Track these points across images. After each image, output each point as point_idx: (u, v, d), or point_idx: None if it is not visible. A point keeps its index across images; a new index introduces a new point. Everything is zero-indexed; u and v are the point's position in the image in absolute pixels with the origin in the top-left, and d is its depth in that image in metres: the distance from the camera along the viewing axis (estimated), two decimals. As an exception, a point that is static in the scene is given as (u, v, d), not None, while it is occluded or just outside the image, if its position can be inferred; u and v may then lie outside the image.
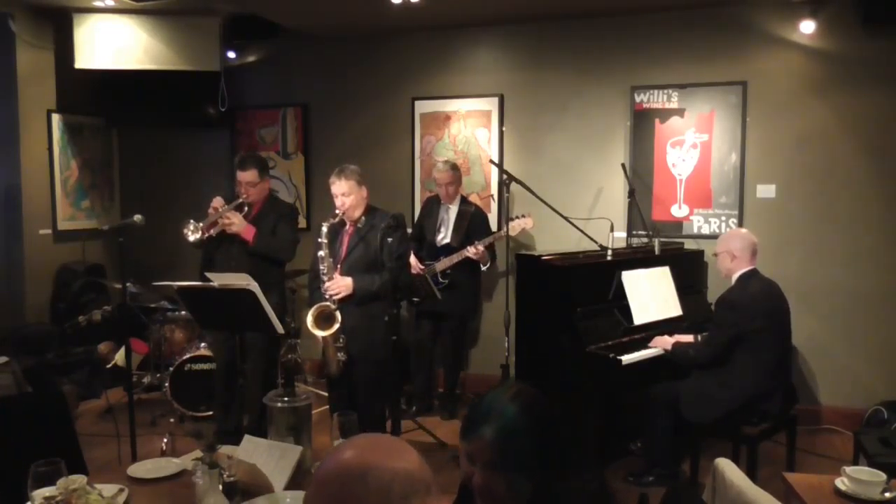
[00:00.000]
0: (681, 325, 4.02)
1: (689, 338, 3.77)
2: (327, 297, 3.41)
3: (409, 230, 4.77)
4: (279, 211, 4.10)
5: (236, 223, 3.85)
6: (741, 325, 3.33)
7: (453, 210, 4.84)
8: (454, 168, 4.83)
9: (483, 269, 4.77)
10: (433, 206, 4.95)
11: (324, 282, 3.44)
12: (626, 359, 3.63)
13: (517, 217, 4.52)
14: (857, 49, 4.52)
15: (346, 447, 1.07)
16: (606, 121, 5.10)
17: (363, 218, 3.52)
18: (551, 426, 1.52)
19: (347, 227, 3.56)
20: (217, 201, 3.91)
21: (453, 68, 5.47)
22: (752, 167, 4.79)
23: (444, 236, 4.81)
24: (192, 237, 3.78)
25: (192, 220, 3.79)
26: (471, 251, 4.56)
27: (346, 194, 3.46)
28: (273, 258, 3.98)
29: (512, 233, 4.46)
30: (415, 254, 4.70)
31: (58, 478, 1.76)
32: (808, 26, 4.52)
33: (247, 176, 3.95)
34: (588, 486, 1.50)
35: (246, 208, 3.97)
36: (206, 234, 3.83)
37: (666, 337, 3.78)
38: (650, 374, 3.73)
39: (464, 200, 4.93)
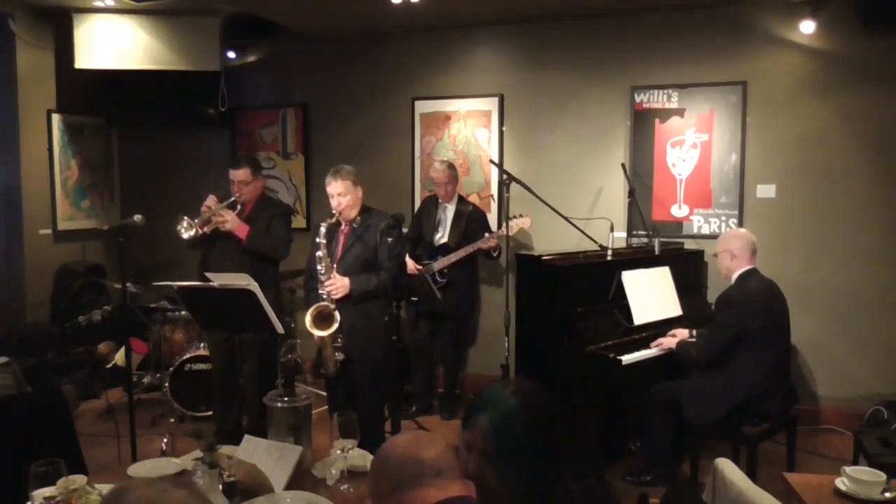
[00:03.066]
0: (681, 326, 4.02)
1: (685, 332, 3.79)
2: (325, 296, 3.41)
3: (407, 230, 4.77)
4: (273, 210, 4.13)
5: (230, 221, 3.88)
6: (741, 324, 3.33)
7: (451, 210, 4.84)
8: (451, 167, 4.83)
9: (494, 255, 4.75)
10: (431, 205, 4.95)
11: (321, 282, 3.43)
12: (627, 359, 3.63)
13: (514, 217, 4.52)
14: (857, 49, 4.51)
15: (397, 437, 1.51)
16: (606, 121, 5.09)
17: (359, 218, 3.52)
18: (549, 425, 1.51)
19: (343, 227, 3.56)
20: (210, 200, 3.94)
21: (453, 68, 5.47)
22: (752, 167, 4.79)
23: (442, 236, 4.80)
24: (185, 234, 3.80)
25: (185, 217, 3.81)
26: (483, 244, 4.55)
27: (341, 194, 3.45)
28: (267, 256, 4.00)
29: (510, 233, 4.46)
30: (411, 254, 4.71)
31: (58, 478, 1.76)
32: (808, 26, 4.52)
33: (239, 174, 3.99)
34: (588, 489, 1.49)
35: (239, 207, 4.00)
36: (200, 232, 3.84)
37: (669, 338, 3.79)
38: (650, 374, 3.73)
39: (461, 200, 4.93)
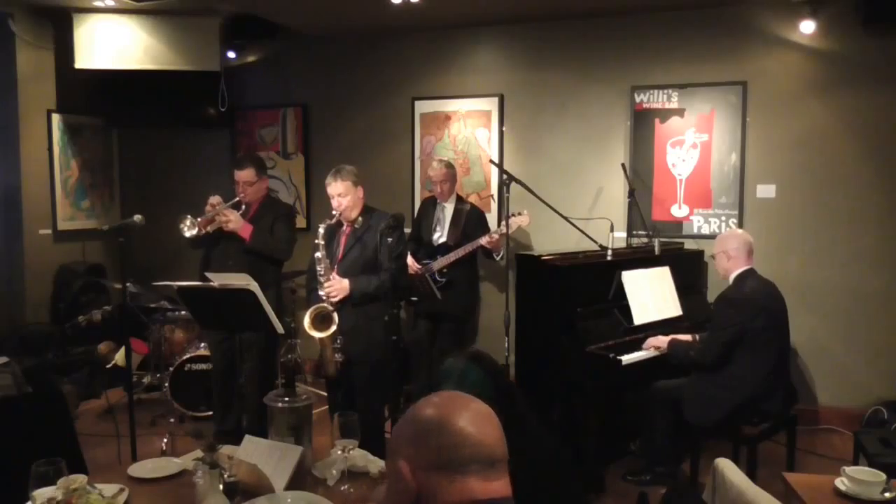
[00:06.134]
0: (681, 325, 4.02)
1: (687, 337, 3.77)
2: (324, 298, 3.40)
3: (408, 230, 4.76)
4: (277, 210, 4.13)
5: (233, 220, 3.88)
6: (741, 324, 3.33)
7: (449, 209, 4.83)
8: (448, 166, 4.82)
9: (496, 258, 4.73)
10: (430, 205, 4.95)
11: (321, 283, 3.43)
12: (627, 359, 3.63)
13: (513, 214, 4.51)
14: (857, 49, 4.52)
15: (455, 400, 1.22)
16: (606, 121, 5.09)
17: (360, 218, 3.51)
18: (500, 373, 1.76)
19: (344, 227, 3.56)
20: (214, 199, 3.93)
21: (453, 68, 5.47)
22: (752, 167, 4.79)
23: (441, 235, 4.80)
24: (188, 233, 3.80)
25: (188, 216, 3.81)
26: (484, 240, 4.54)
27: (342, 195, 3.45)
28: (270, 257, 4.00)
29: (509, 230, 4.45)
30: (412, 254, 4.70)
31: (58, 478, 1.76)
32: (808, 26, 4.52)
33: (244, 175, 3.99)
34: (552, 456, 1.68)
35: (243, 207, 4.00)
36: (203, 231, 3.84)
37: (660, 337, 3.77)
38: (650, 374, 3.73)
39: (460, 199, 4.92)
